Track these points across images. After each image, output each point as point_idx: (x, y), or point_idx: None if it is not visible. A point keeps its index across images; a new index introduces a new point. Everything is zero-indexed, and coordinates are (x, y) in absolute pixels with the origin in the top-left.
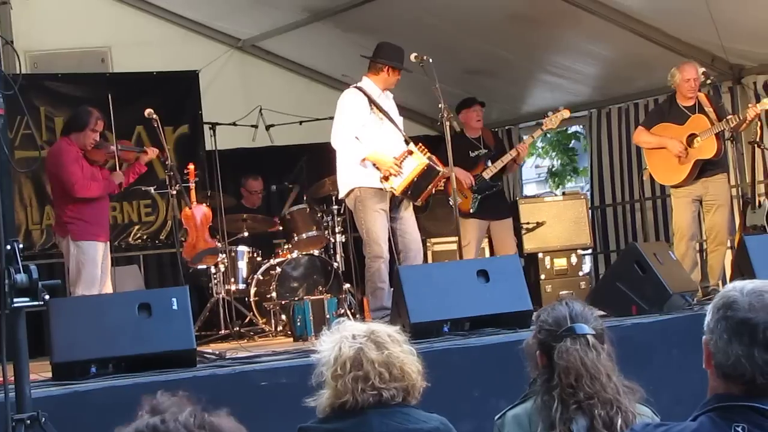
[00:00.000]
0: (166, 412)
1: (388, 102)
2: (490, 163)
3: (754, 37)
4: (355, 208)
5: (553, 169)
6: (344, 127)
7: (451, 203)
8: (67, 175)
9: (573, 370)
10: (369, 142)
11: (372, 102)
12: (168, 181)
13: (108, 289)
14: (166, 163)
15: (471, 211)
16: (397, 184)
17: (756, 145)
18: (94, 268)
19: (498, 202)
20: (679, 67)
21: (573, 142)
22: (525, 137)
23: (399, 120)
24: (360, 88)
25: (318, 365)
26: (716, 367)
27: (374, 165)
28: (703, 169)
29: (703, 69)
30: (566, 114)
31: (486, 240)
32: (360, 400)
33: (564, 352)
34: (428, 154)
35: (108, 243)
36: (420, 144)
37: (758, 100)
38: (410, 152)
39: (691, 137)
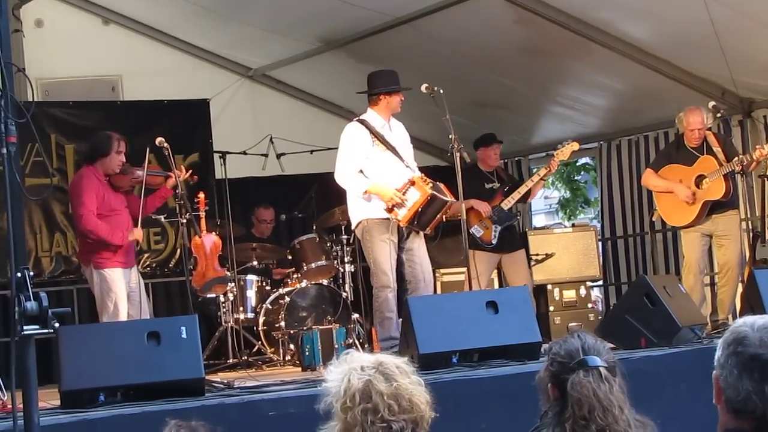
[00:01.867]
0: None
1: (395, 132)
2: (506, 195)
3: (765, 70)
4: (362, 239)
5: (564, 201)
6: (346, 162)
7: (473, 233)
8: (79, 203)
9: (586, 402)
10: (371, 175)
11: (374, 134)
12: (178, 210)
13: (143, 314)
14: (177, 191)
15: (493, 242)
16: (402, 215)
17: (766, 179)
18: (118, 296)
19: (511, 234)
20: (685, 112)
21: (582, 174)
22: (535, 169)
23: (408, 149)
24: (362, 121)
25: (326, 396)
26: (726, 402)
27: (378, 196)
28: (713, 207)
29: (713, 103)
30: (575, 146)
31: (495, 272)
32: None
33: (577, 383)
34: (431, 184)
35: (135, 267)
36: (423, 174)
37: (767, 134)
38: (413, 182)
39: (700, 178)
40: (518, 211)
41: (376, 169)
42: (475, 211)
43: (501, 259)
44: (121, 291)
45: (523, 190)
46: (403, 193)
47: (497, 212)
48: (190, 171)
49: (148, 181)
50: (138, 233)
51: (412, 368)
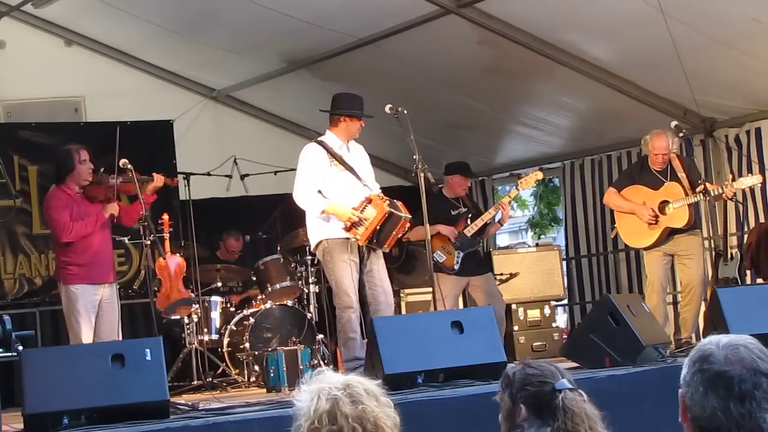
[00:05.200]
0: None
1: (353, 153)
2: (470, 222)
3: (726, 90)
4: (323, 260)
5: (533, 220)
6: (304, 183)
7: (435, 258)
8: (52, 222)
9: (579, 417)
10: (329, 195)
11: (331, 154)
12: (142, 231)
13: (110, 332)
14: (141, 211)
15: (455, 267)
16: (360, 234)
17: (727, 200)
18: (80, 313)
19: (474, 259)
20: (651, 135)
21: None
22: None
23: (368, 169)
24: (320, 142)
25: (296, 416)
26: (692, 420)
27: (335, 216)
28: (674, 230)
29: (675, 122)
30: (539, 175)
31: (460, 297)
32: None
33: (573, 400)
34: (388, 201)
35: (112, 285)
36: (380, 193)
37: (729, 154)
38: (369, 200)
39: (664, 203)
40: (480, 238)
41: (333, 189)
42: (440, 236)
43: (468, 282)
44: (85, 308)
45: (486, 217)
46: (361, 212)
47: (460, 238)
48: (164, 177)
49: (126, 188)
50: (113, 206)
51: (381, 391)
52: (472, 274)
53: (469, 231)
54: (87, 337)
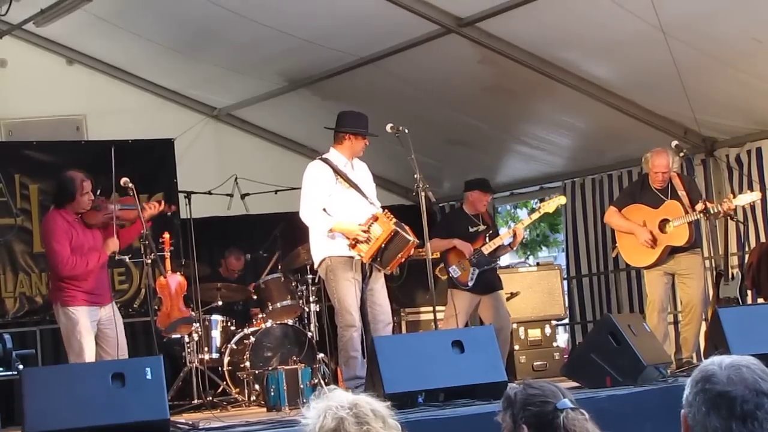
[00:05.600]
0: None
1: (357, 170)
2: (488, 240)
3: (727, 109)
4: (326, 278)
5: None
6: (310, 201)
7: (450, 272)
8: (52, 253)
9: None
10: (335, 213)
11: (337, 172)
12: (143, 250)
13: (120, 351)
14: (141, 231)
15: (469, 283)
16: (365, 251)
17: (729, 218)
18: (83, 335)
19: (489, 277)
20: (651, 154)
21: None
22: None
23: (371, 187)
24: (325, 159)
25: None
26: None
27: (343, 234)
28: (676, 247)
29: (676, 142)
30: (563, 200)
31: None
32: None
33: (575, 420)
34: (395, 220)
35: (108, 306)
36: (386, 211)
37: (730, 174)
38: (376, 218)
39: (664, 222)
40: (497, 256)
41: (339, 206)
42: (456, 251)
43: (481, 300)
44: (86, 329)
45: (504, 236)
46: (368, 228)
47: (477, 255)
48: (158, 205)
49: (123, 216)
50: (113, 243)
51: (389, 412)
52: (485, 292)
53: (487, 249)
54: (89, 357)
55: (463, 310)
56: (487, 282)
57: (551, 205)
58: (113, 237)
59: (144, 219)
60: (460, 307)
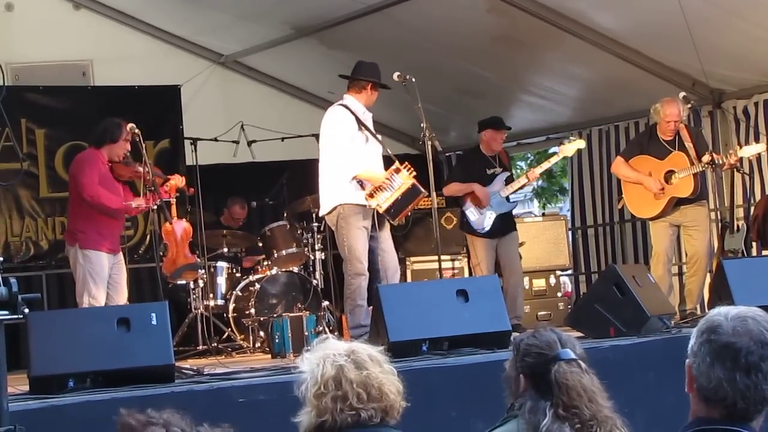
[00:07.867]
0: (179, 428)
1: (369, 121)
2: (505, 182)
3: (735, 61)
4: (337, 225)
5: (539, 190)
6: (335, 145)
7: (467, 215)
8: (80, 176)
9: (574, 391)
10: (359, 160)
11: (358, 120)
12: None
13: (118, 296)
14: (147, 177)
15: (486, 228)
16: (383, 200)
17: (735, 170)
18: (100, 278)
19: (505, 220)
20: (662, 103)
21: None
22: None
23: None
24: (346, 106)
25: (301, 382)
26: (698, 391)
27: (363, 182)
28: (682, 199)
29: (684, 93)
30: (582, 144)
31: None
32: (339, 420)
33: (566, 373)
34: (414, 173)
35: (119, 254)
36: (406, 162)
37: (737, 126)
38: (397, 170)
39: (669, 173)
40: (515, 200)
41: (361, 154)
42: (473, 195)
43: (498, 243)
44: (104, 274)
45: (522, 180)
46: (390, 177)
47: (494, 198)
48: (184, 180)
49: (148, 178)
50: (140, 202)
51: (385, 357)
52: (501, 234)
53: (505, 192)
54: (102, 300)
55: (484, 258)
56: (503, 225)
57: (570, 148)
58: (139, 197)
59: (171, 189)
60: (480, 255)
